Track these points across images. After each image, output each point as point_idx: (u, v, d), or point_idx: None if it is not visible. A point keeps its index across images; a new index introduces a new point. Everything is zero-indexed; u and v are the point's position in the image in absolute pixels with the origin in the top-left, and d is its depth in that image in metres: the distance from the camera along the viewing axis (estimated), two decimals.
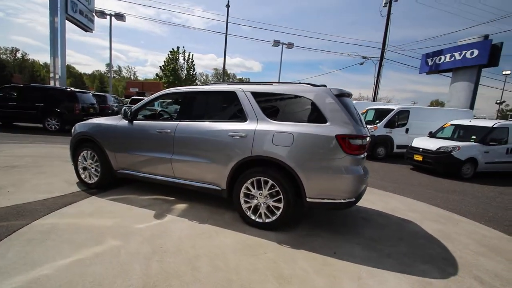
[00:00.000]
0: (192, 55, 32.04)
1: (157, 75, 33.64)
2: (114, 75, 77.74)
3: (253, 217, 3.03)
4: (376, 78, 22.70)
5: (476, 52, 17.10)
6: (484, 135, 7.07)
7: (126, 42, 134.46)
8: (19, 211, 3.03)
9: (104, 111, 12.09)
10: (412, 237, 3.14)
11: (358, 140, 2.73)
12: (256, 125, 2.99)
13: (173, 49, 31.15)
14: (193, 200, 3.76)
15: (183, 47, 31.85)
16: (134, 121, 3.72)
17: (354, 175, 2.73)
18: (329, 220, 3.43)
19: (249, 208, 3.07)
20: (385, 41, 21.49)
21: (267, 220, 2.97)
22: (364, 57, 22.75)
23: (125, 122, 3.77)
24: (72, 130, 4.28)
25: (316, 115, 2.85)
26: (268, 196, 2.95)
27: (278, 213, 2.91)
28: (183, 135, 3.35)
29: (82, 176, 4.09)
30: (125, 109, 3.69)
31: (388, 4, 20.35)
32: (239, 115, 3.16)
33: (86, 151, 4.01)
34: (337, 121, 2.77)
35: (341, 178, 2.73)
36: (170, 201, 3.72)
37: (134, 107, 3.79)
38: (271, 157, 2.86)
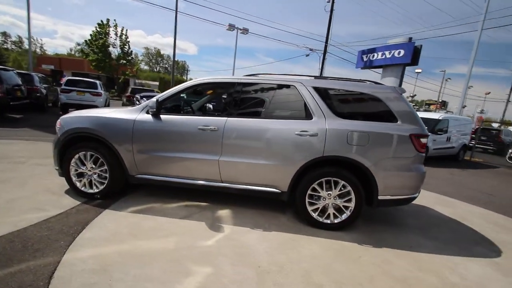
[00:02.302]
0: (126, 30, 28.05)
1: (82, 51, 28.33)
2: (13, 47, 62.04)
3: (320, 219, 2.91)
4: (320, 71, 24.22)
5: (402, 52, 19.94)
6: (433, 126, 8.44)
7: (26, 6, 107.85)
8: (25, 244, 2.17)
9: (32, 95, 9.56)
10: (443, 222, 3.57)
11: (425, 139, 2.87)
12: (326, 123, 2.82)
13: (101, 21, 26.57)
14: (230, 204, 3.36)
15: (114, 20, 27.51)
16: (161, 116, 3.05)
17: (422, 172, 2.89)
18: (370, 214, 3.57)
19: (314, 210, 2.92)
20: (328, 35, 22.89)
21: (336, 221, 2.90)
22: (311, 49, 24.02)
23: (147, 117, 3.05)
24: (57, 126, 3.25)
25: (387, 114, 2.85)
26: (337, 196, 2.87)
27: (348, 213, 2.87)
28: (235, 133, 2.91)
29: (78, 184, 3.19)
30: (154, 101, 2.96)
31: (331, 0, 21.65)
32: (302, 112, 2.92)
33: (83, 153, 3.12)
34: (407, 120, 2.84)
35: (411, 176, 2.84)
36: (205, 207, 3.24)
37: (159, 98, 3.09)
38: (346, 157, 2.76)
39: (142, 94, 10.25)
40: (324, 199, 2.89)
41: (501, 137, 13.77)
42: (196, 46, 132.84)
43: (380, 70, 22.81)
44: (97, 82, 11.93)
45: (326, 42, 23.23)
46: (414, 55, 19.58)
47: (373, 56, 22.30)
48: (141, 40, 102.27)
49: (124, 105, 14.07)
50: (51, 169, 3.90)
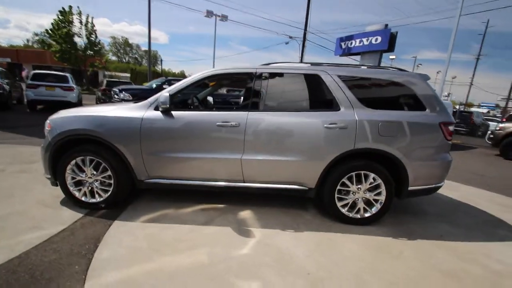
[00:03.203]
0: (92, 18, 25.85)
1: (43, 41, 25.79)
2: None
3: (350, 214, 2.79)
4: (300, 58, 24.05)
5: (379, 38, 20.33)
6: None
7: None
8: (32, 273, 1.82)
9: None
10: (457, 206, 3.64)
11: (452, 126, 2.82)
12: (355, 114, 2.66)
13: (63, 8, 24.20)
14: (249, 204, 3.14)
15: (78, 7, 25.19)
16: (172, 112, 2.71)
17: (449, 160, 2.84)
18: None
19: (344, 205, 2.80)
20: (307, 22, 22.67)
21: (366, 215, 2.80)
22: (291, 37, 23.75)
23: (157, 114, 2.71)
24: (47, 128, 2.80)
25: (415, 103, 2.75)
26: (367, 190, 2.76)
27: (379, 206, 2.77)
28: (259, 128, 2.67)
29: (77, 194, 2.80)
30: (166, 96, 2.60)
31: None
32: (329, 103, 2.74)
33: (82, 158, 2.72)
34: (434, 108, 2.76)
35: (440, 165, 2.79)
36: (224, 209, 3.00)
37: (170, 92, 2.73)
38: (379, 149, 2.64)
39: (121, 87, 9.46)
40: (353, 194, 2.77)
41: (473, 119, 14.67)
42: (167, 34, 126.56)
43: (358, 57, 23.27)
44: (68, 75, 10.89)
45: (305, 29, 23.01)
46: (390, 41, 19.97)
47: (351, 43, 22.52)
48: (106, 29, 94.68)
49: (99, 99, 13.01)
50: (39, 176, 3.44)
